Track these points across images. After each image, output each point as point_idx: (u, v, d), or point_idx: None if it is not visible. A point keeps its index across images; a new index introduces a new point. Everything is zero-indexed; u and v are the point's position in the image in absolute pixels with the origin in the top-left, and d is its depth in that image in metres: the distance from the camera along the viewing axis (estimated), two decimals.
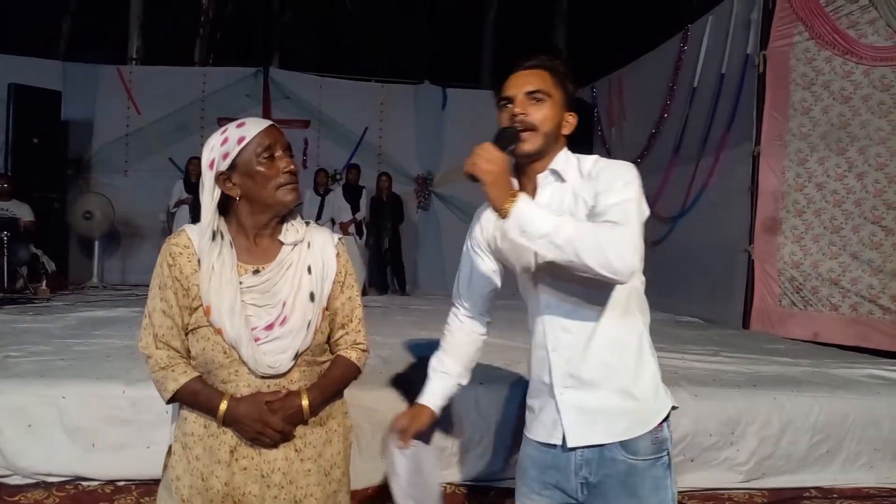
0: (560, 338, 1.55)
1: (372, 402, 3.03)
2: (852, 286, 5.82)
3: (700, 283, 7.07)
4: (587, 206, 1.48)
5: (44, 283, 7.51)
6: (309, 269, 1.57)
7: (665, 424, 1.55)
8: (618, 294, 1.51)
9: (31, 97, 8.64)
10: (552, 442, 1.55)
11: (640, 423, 1.51)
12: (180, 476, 1.54)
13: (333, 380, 1.61)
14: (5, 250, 7.10)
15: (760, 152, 6.31)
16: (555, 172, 1.56)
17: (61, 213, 9.12)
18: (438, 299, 8.24)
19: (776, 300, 6.14)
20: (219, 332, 1.47)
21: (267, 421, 1.47)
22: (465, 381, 1.80)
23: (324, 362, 1.62)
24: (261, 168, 1.49)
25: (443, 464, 1.68)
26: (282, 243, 1.57)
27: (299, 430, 1.55)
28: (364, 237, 9.11)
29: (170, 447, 1.60)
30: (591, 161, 1.57)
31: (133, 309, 5.85)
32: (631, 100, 9.05)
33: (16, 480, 2.92)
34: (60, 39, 13.70)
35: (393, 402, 3.10)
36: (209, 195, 1.52)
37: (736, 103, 6.71)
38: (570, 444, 1.52)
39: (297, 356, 1.52)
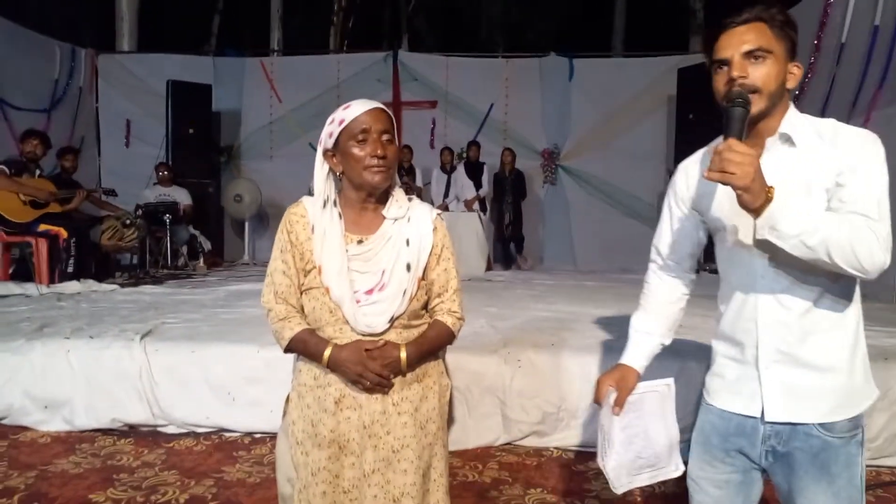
0: (775, 312, 1.44)
1: (479, 366, 3.15)
2: None
3: None
4: (827, 179, 1.38)
5: (201, 260, 8.34)
6: (407, 242, 1.71)
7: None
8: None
9: (186, 91, 9.46)
10: (747, 413, 1.48)
11: (846, 407, 1.44)
12: (295, 421, 1.74)
13: (429, 340, 1.74)
14: (167, 231, 7.92)
15: None
16: (784, 136, 1.43)
17: (215, 196, 9.99)
18: (564, 274, 8.19)
19: None
20: (327, 290, 1.65)
21: (366, 364, 1.63)
22: (667, 341, 1.69)
23: (418, 326, 1.75)
24: (353, 150, 1.64)
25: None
26: (384, 217, 1.73)
27: (397, 386, 1.69)
28: (487, 213, 9.14)
29: (288, 395, 1.82)
30: (828, 125, 1.44)
31: None
32: None
33: (171, 430, 3.34)
34: (211, 37, 14.89)
35: (498, 368, 3.20)
36: (319, 168, 1.72)
37: (889, 58, 6.10)
38: (768, 419, 1.45)
39: (392, 319, 1.67)
